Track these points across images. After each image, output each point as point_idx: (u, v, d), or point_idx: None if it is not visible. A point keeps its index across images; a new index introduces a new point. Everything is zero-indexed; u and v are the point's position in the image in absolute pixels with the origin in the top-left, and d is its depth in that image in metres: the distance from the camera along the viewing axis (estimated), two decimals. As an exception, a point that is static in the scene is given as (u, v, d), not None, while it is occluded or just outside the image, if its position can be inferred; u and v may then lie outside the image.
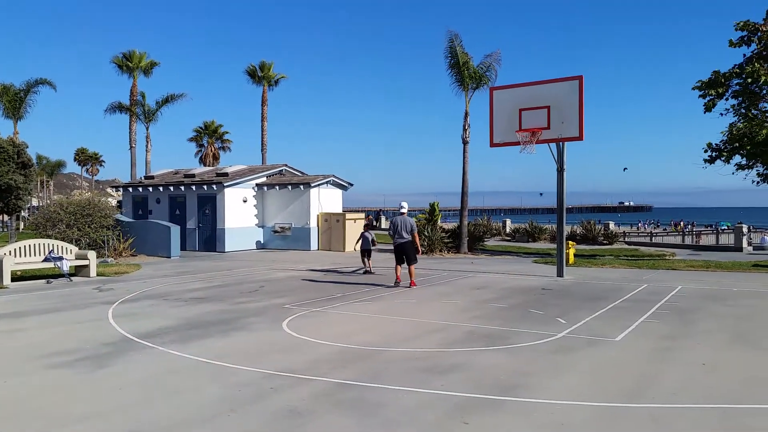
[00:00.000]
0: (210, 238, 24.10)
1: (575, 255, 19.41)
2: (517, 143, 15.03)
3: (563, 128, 14.47)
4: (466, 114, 23.79)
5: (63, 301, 11.12)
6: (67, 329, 8.53)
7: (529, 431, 4.59)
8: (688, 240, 33.15)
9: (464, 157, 23.90)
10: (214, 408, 5.11)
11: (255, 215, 25.40)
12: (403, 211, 13.44)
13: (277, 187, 24.97)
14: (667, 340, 7.69)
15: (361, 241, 17.12)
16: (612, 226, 35.85)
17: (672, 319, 9.22)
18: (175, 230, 21.50)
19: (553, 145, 15.08)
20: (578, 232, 31.19)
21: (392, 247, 13.55)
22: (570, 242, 19.58)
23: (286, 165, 26.89)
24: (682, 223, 63.38)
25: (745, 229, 28.31)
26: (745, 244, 26.25)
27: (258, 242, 25.36)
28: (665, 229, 52.68)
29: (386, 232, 19.57)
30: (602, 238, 30.49)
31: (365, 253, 16.72)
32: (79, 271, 15.31)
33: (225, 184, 23.64)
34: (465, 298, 11.53)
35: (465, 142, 23.78)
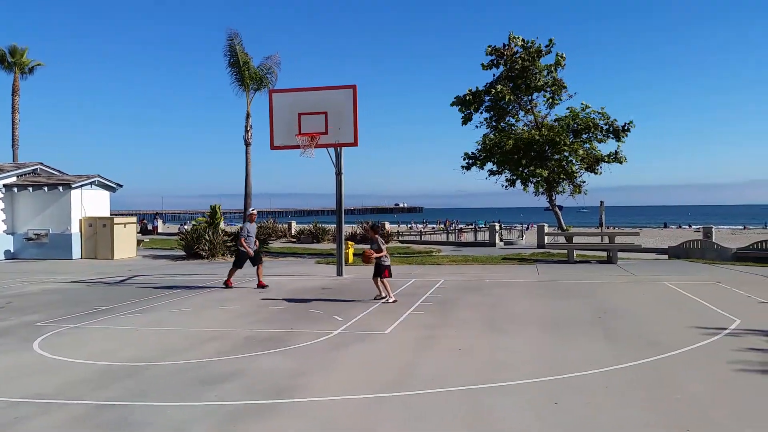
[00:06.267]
0: (-59, 249, 20.37)
1: (354, 254, 20.28)
2: (298, 147, 15.26)
3: (340, 134, 15.05)
4: (248, 115, 23.51)
5: None
6: None
7: None
8: (452, 237, 36.73)
9: (247, 159, 23.60)
10: (-64, 451, 4.33)
11: (3, 220, 22.10)
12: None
13: (30, 189, 22.03)
14: (430, 330, 8.44)
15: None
16: (388, 225, 38.21)
17: (435, 309, 10.13)
18: None
19: (332, 150, 15.61)
20: (358, 232, 32.64)
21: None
22: (349, 242, 20.42)
23: (41, 164, 23.84)
24: (447, 221, 70.10)
25: (497, 227, 32.27)
26: (497, 240, 29.89)
27: (7, 251, 22.10)
28: (433, 228, 57.70)
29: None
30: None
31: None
32: None
33: (-39, 185, 20.19)
34: (245, 302, 11.35)
35: (247, 144, 23.49)
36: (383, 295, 11.16)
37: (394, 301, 10.95)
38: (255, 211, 14.23)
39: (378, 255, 11.11)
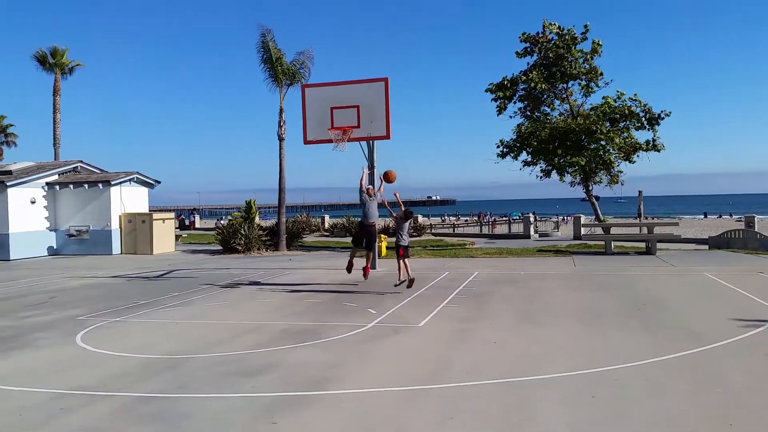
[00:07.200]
0: (-10, 246, 21.11)
1: (387, 247, 20.30)
2: (330, 141, 15.30)
3: (372, 127, 15.04)
4: (281, 110, 23.63)
5: None
6: None
7: (336, 423, 4.71)
8: (485, 230, 36.45)
9: (280, 154, 23.73)
10: (-12, 440, 4.51)
11: (46, 218, 22.78)
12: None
13: (72, 186, 22.65)
14: (464, 323, 8.40)
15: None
16: (420, 218, 38.11)
17: (469, 302, 10.08)
18: (-57, 238, 18.53)
19: (365, 144, 15.63)
20: (390, 225, 32.65)
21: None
22: (382, 236, 20.44)
23: (81, 161, 24.49)
24: (480, 214, 69.60)
25: (531, 219, 31.88)
26: (532, 231, 29.53)
27: (50, 248, 22.79)
28: (466, 221, 57.33)
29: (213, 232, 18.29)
30: (412, 231, 32.28)
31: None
32: None
33: (8, 184, 20.87)
34: (280, 295, 11.49)
35: (281, 139, 23.61)
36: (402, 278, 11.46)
37: (401, 282, 11.35)
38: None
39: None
